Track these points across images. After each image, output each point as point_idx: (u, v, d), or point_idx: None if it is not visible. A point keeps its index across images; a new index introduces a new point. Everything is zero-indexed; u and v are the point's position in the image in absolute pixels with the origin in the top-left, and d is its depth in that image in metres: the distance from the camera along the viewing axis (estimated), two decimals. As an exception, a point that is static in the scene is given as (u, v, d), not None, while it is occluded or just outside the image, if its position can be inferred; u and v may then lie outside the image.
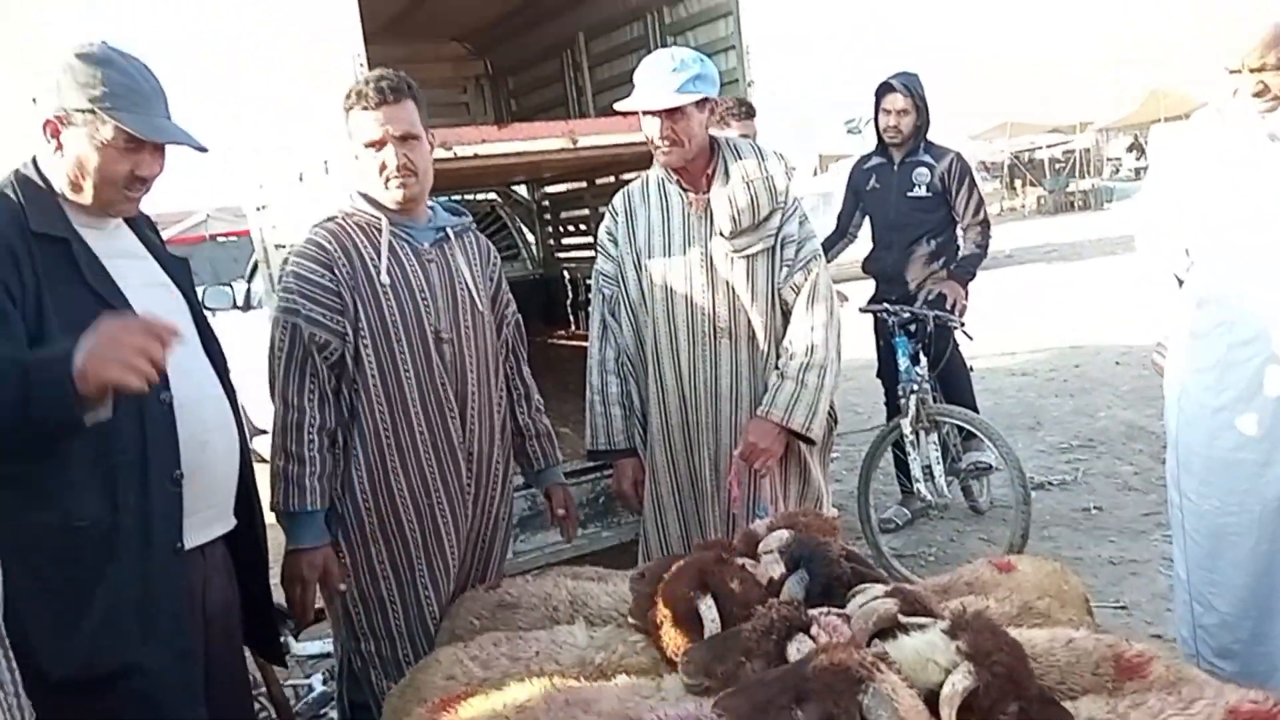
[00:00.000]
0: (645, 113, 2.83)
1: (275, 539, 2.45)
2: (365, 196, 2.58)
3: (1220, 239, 2.62)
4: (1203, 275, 2.69)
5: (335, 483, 2.54)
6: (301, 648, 3.29)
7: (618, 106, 3.06)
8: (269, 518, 2.43)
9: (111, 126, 1.94)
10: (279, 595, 2.54)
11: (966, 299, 4.87)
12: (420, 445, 2.57)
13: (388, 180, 2.52)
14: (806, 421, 2.84)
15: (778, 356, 2.93)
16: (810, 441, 2.92)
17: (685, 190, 2.93)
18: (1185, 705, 1.83)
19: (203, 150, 2.11)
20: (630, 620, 2.27)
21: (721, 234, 2.89)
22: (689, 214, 2.92)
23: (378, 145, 2.49)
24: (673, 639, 2.16)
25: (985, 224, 4.97)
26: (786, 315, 2.95)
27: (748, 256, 2.90)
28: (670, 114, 2.78)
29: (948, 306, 4.69)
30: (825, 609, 1.83)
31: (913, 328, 4.58)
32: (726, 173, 2.90)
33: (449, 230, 2.68)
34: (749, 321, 2.92)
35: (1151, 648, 2.13)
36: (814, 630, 1.73)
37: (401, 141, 2.50)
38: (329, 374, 2.49)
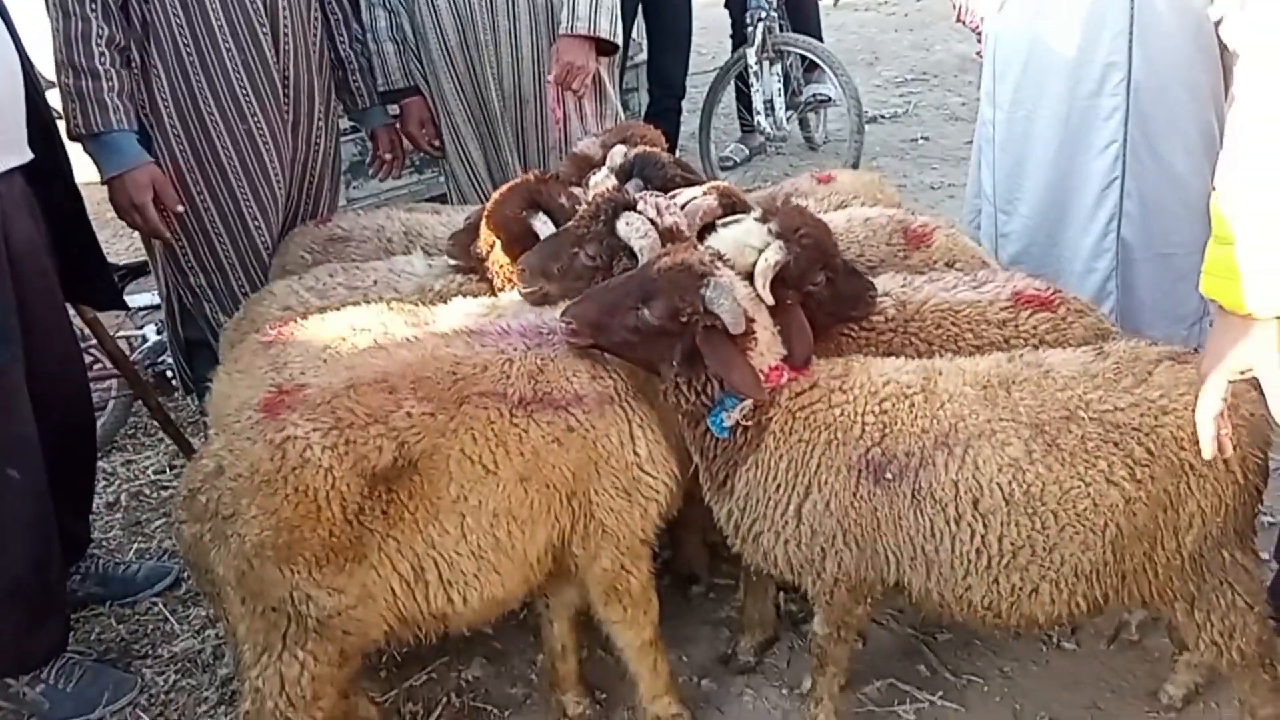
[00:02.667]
0: None
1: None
2: None
3: None
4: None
5: (139, 106, 2.36)
6: (130, 300, 3.18)
7: None
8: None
9: None
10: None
11: None
12: (229, 63, 2.39)
13: None
14: (611, 27, 2.81)
15: None
16: (615, 48, 2.91)
17: None
18: (978, 285, 2.01)
19: None
20: (450, 262, 2.28)
21: None
22: None
23: None
24: (503, 266, 2.18)
25: None
26: None
27: None
28: None
29: None
30: (646, 190, 1.87)
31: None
32: None
33: None
34: None
35: (934, 221, 2.32)
36: (641, 207, 1.78)
37: None
38: None
